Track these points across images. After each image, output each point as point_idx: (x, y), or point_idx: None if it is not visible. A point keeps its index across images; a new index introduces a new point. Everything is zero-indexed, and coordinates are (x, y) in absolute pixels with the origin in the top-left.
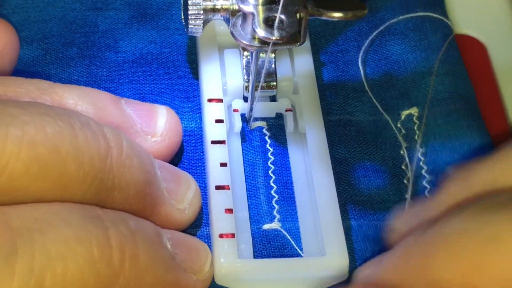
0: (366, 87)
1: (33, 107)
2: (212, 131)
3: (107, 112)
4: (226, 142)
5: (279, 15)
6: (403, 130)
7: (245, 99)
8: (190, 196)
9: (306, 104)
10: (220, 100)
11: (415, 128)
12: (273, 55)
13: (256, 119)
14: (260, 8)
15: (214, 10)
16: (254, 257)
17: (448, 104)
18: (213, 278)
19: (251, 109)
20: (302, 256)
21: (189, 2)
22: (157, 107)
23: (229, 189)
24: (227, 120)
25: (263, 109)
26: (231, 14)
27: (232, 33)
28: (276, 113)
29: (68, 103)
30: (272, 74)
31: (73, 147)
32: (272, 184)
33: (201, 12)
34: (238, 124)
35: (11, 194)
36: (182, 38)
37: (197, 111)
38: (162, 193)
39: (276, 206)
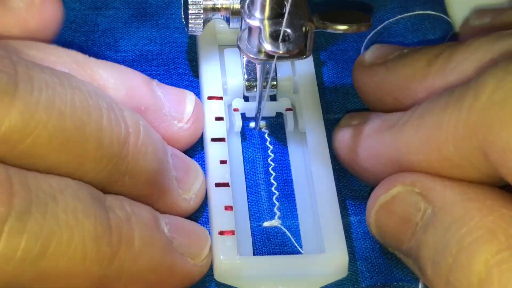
0: None
1: (67, 79)
2: (212, 128)
3: (138, 92)
4: (226, 140)
5: (285, 29)
6: None
7: (245, 98)
8: (197, 186)
9: (306, 104)
10: (220, 98)
11: None
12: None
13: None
14: (266, 22)
15: (214, 9)
16: (254, 254)
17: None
18: (213, 274)
19: (259, 110)
20: (302, 253)
21: (190, 1)
22: (186, 93)
23: (229, 186)
24: (227, 118)
25: (264, 108)
26: (231, 13)
27: (238, 47)
28: (276, 113)
29: (100, 79)
30: (272, 73)
31: (97, 128)
32: (272, 181)
33: (201, 11)
34: (238, 123)
35: (30, 160)
36: (182, 36)
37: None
38: (171, 182)
39: (277, 203)
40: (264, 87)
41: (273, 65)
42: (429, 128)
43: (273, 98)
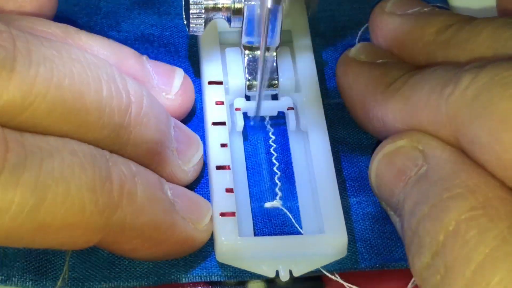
0: None
1: (67, 51)
2: (212, 112)
3: (127, 63)
4: (226, 124)
5: None
6: None
7: (247, 97)
8: (196, 159)
9: (308, 103)
10: (220, 83)
11: None
12: (274, 53)
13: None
14: None
15: (215, 9)
16: (255, 235)
17: None
18: (215, 256)
19: (258, 106)
20: (302, 234)
21: (191, 1)
22: (175, 69)
23: (229, 169)
24: (228, 119)
25: (265, 107)
26: (233, 13)
27: None
28: (278, 112)
29: (91, 50)
30: (273, 72)
31: (97, 98)
32: (273, 161)
33: (203, 11)
34: (240, 123)
35: (30, 130)
36: (183, 22)
37: (198, 91)
38: (171, 153)
39: (279, 183)
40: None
41: (273, 61)
42: (415, 105)
43: (274, 97)
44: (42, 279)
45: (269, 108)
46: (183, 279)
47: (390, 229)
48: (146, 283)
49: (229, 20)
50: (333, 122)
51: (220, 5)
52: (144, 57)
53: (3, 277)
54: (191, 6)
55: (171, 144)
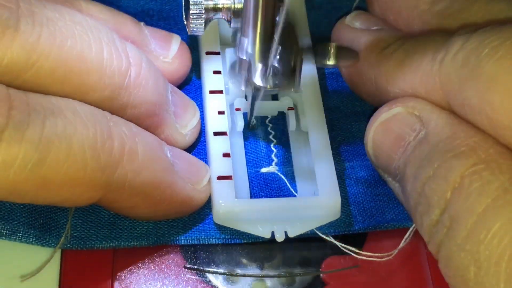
0: None
1: (69, 14)
2: (210, 81)
3: (126, 28)
4: (223, 92)
5: (274, 64)
6: None
7: (247, 98)
8: (193, 123)
9: (308, 103)
10: (218, 53)
11: None
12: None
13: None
14: (256, 56)
15: (215, 9)
16: (251, 198)
17: None
18: (213, 220)
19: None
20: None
21: (191, 1)
22: (172, 34)
23: (226, 135)
24: (229, 118)
25: (265, 107)
26: (233, 14)
27: (228, 75)
28: (278, 112)
29: (90, 16)
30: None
31: (98, 59)
32: (269, 130)
33: (203, 11)
34: (240, 123)
35: (34, 90)
36: None
37: (197, 63)
38: (169, 116)
39: (274, 150)
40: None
41: (261, 94)
42: (408, 69)
43: (275, 97)
44: (46, 235)
45: (269, 108)
46: (182, 240)
47: (382, 192)
48: (145, 243)
49: (229, 21)
50: (327, 91)
51: (220, 6)
52: (142, 23)
53: (8, 231)
54: (191, 7)
55: (169, 107)
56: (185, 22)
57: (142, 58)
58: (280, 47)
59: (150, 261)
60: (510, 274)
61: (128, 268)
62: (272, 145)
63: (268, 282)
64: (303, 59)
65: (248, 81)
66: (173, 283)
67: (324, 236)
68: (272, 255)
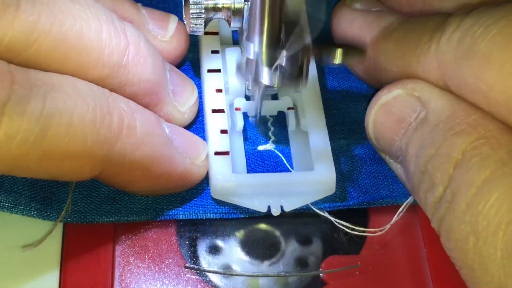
0: None
1: None
2: (208, 60)
3: (123, 7)
4: (221, 71)
5: (281, 63)
6: None
7: (247, 97)
8: (192, 102)
9: (308, 103)
10: (216, 33)
11: None
12: None
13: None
14: (264, 56)
15: (215, 9)
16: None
17: None
18: (211, 195)
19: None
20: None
21: (191, 1)
22: (169, 15)
23: (224, 112)
24: (229, 118)
25: (265, 107)
26: (233, 13)
27: (236, 73)
28: (278, 111)
29: None
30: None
31: (97, 37)
32: (269, 125)
33: (203, 11)
34: (240, 123)
35: (35, 67)
36: None
37: (195, 43)
38: (167, 94)
39: (272, 128)
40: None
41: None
42: (407, 48)
43: (274, 97)
44: (47, 209)
45: (269, 108)
46: (181, 215)
47: (377, 170)
48: (145, 218)
49: (228, 21)
50: (324, 72)
51: (220, 5)
52: (140, 4)
53: (9, 204)
54: (191, 6)
55: (167, 86)
56: (185, 22)
57: (140, 37)
58: (287, 46)
59: (150, 261)
60: (507, 242)
61: (128, 268)
62: (269, 123)
63: (268, 281)
64: (310, 59)
65: (255, 80)
66: (173, 283)
67: (319, 211)
68: (272, 255)
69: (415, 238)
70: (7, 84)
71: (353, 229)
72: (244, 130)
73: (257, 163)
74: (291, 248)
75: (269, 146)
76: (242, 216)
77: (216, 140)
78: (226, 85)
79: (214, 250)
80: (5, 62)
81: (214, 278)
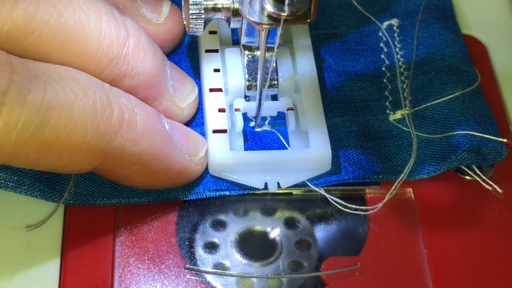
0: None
1: None
2: (206, 40)
3: None
4: (219, 51)
5: None
6: (383, 38)
7: (247, 98)
8: (192, 98)
9: (308, 103)
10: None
11: (395, 35)
12: (274, 53)
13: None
14: None
15: (215, 9)
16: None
17: (425, 14)
18: (210, 176)
19: (259, 106)
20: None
21: (190, 2)
22: None
23: (222, 91)
24: (229, 118)
25: (265, 108)
26: (232, 14)
27: (239, 11)
28: (278, 112)
29: None
30: (273, 72)
31: (97, 28)
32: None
33: (202, 11)
34: (240, 124)
35: (35, 58)
36: None
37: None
38: (167, 89)
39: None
40: (264, 84)
41: (273, 61)
42: None
43: (274, 97)
44: (50, 190)
45: (269, 108)
46: (181, 196)
47: (372, 146)
48: (146, 200)
49: (228, 21)
50: (320, 51)
51: (219, 6)
52: None
53: (13, 183)
54: (190, 7)
55: (167, 81)
56: (185, 22)
57: (140, 31)
58: None
59: (150, 262)
60: None
61: (128, 269)
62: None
63: (268, 282)
64: None
65: (263, 10)
66: (173, 284)
67: (315, 188)
68: (272, 255)
69: (415, 239)
70: (7, 74)
71: (345, 206)
72: (242, 110)
73: (254, 141)
74: (291, 249)
75: (266, 126)
76: (241, 193)
77: (213, 118)
78: (225, 86)
79: (215, 251)
80: (5, 52)
81: (214, 279)
